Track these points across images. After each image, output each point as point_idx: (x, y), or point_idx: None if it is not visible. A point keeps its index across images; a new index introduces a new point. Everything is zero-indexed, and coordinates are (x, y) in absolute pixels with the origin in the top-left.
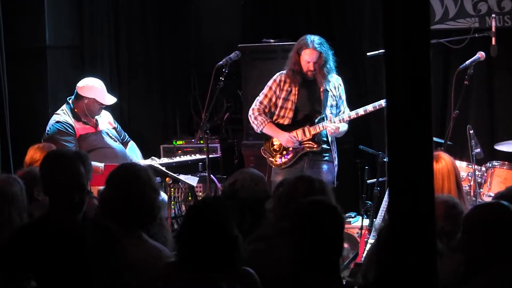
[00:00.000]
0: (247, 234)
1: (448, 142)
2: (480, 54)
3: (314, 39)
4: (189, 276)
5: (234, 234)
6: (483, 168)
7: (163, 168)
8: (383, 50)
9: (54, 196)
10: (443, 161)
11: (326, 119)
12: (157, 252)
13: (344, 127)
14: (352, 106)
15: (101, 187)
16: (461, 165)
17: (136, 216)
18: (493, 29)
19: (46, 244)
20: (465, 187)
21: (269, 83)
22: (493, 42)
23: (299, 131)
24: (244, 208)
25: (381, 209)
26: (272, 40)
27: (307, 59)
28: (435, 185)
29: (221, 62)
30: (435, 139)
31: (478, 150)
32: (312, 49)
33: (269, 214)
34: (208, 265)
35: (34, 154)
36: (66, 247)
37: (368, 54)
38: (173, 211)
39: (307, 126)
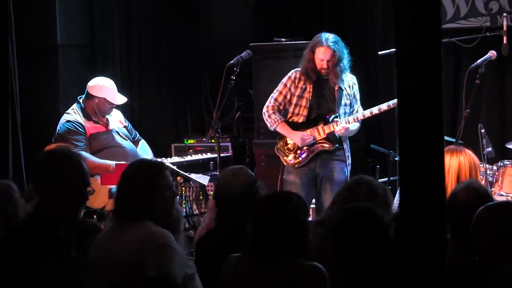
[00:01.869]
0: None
1: (460, 141)
2: (492, 53)
3: (328, 37)
4: (257, 266)
5: (304, 223)
6: (495, 167)
7: (175, 167)
8: (394, 49)
9: (61, 195)
10: (463, 154)
11: (340, 118)
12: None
13: (355, 126)
14: (363, 105)
15: (113, 186)
16: None
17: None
18: (505, 28)
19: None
20: None
21: (284, 80)
22: (505, 41)
23: (313, 130)
24: (238, 202)
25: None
26: (283, 39)
27: (321, 57)
28: (452, 176)
29: (232, 61)
30: (446, 138)
31: (490, 149)
32: (326, 47)
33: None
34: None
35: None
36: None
37: (379, 53)
38: (184, 210)
39: (321, 125)
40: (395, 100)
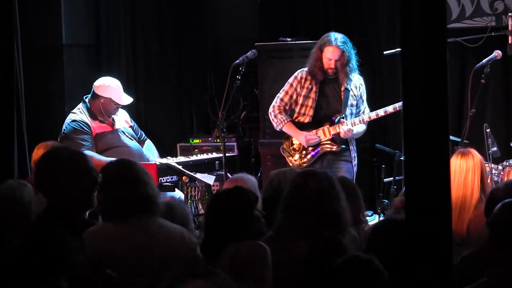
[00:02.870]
0: None
1: (465, 141)
2: (497, 53)
3: (337, 37)
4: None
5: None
6: (500, 167)
7: (180, 167)
8: (400, 49)
9: (72, 192)
10: (471, 157)
11: (346, 119)
12: (179, 233)
13: (361, 128)
14: (369, 105)
15: None
16: None
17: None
18: (510, 28)
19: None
20: None
21: (290, 80)
22: (510, 41)
23: (319, 131)
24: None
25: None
26: (289, 39)
27: (329, 56)
28: (458, 178)
29: (237, 61)
30: (451, 137)
31: (495, 148)
32: (335, 47)
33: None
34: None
35: (43, 153)
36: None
37: (385, 53)
38: (190, 209)
39: (327, 125)
40: (401, 103)
